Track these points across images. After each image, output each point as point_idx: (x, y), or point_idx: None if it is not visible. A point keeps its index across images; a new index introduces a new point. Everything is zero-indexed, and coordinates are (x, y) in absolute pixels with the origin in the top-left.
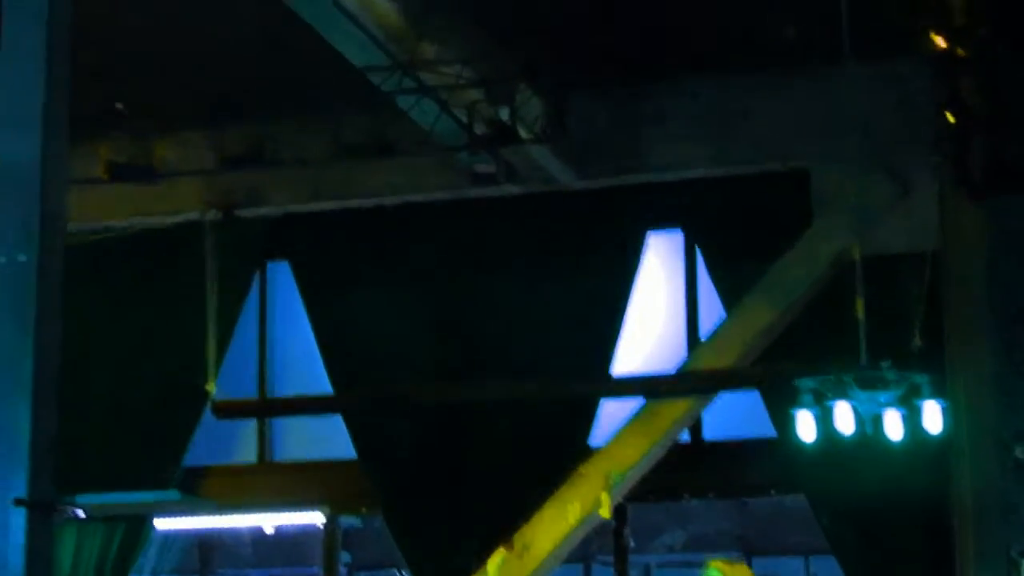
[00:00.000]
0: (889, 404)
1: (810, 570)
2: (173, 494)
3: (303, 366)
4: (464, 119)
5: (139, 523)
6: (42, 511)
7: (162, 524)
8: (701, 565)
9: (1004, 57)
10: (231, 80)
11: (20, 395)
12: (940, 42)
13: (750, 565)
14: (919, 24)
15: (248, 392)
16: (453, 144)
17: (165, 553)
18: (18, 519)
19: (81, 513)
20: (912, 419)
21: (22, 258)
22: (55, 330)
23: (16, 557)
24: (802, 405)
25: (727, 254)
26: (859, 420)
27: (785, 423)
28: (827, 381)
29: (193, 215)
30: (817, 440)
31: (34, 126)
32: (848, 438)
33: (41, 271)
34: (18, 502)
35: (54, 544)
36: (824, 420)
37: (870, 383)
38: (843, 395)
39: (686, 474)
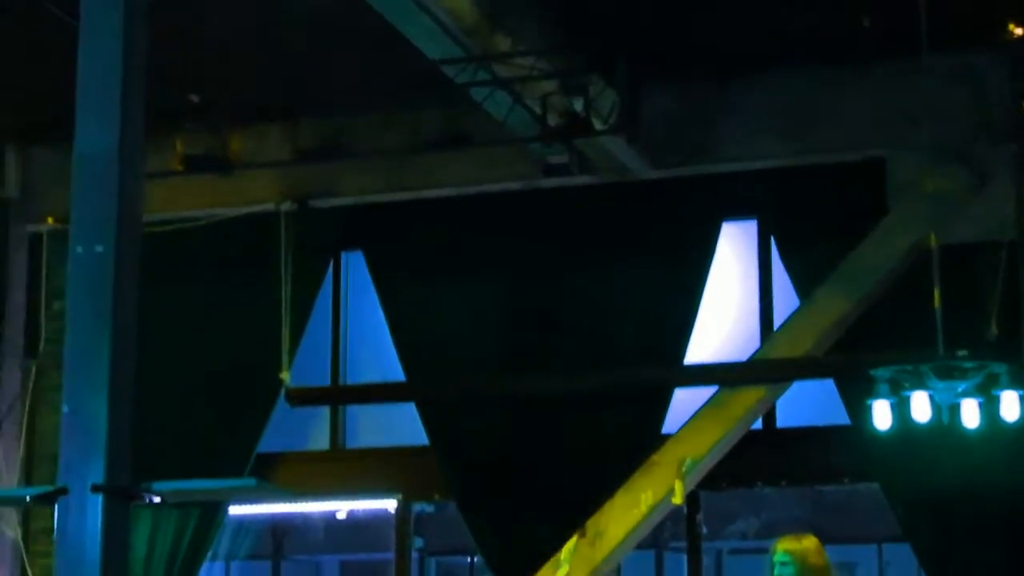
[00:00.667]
0: (966, 394)
1: (883, 558)
2: (248, 481)
3: (376, 354)
4: (537, 110)
5: (214, 509)
6: (119, 497)
7: (236, 510)
8: (770, 548)
9: None
10: (307, 72)
11: (98, 384)
12: (1018, 32)
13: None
14: (997, 14)
15: (322, 380)
16: (526, 135)
17: (239, 538)
18: (95, 505)
19: (157, 499)
20: (989, 408)
21: (99, 249)
22: (132, 320)
23: (93, 542)
24: (878, 395)
25: (801, 243)
26: (936, 409)
27: (859, 411)
28: (904, 371)
29: (268, 206)
30: (892, 429)
31: (112, 117)
32: (924, 427)
33: (118, 262)
34: (95, 488)
35: (130, 530)
36: (900, 409)
37: (948, 373)
38: (920, 385)
39: (759, 462)
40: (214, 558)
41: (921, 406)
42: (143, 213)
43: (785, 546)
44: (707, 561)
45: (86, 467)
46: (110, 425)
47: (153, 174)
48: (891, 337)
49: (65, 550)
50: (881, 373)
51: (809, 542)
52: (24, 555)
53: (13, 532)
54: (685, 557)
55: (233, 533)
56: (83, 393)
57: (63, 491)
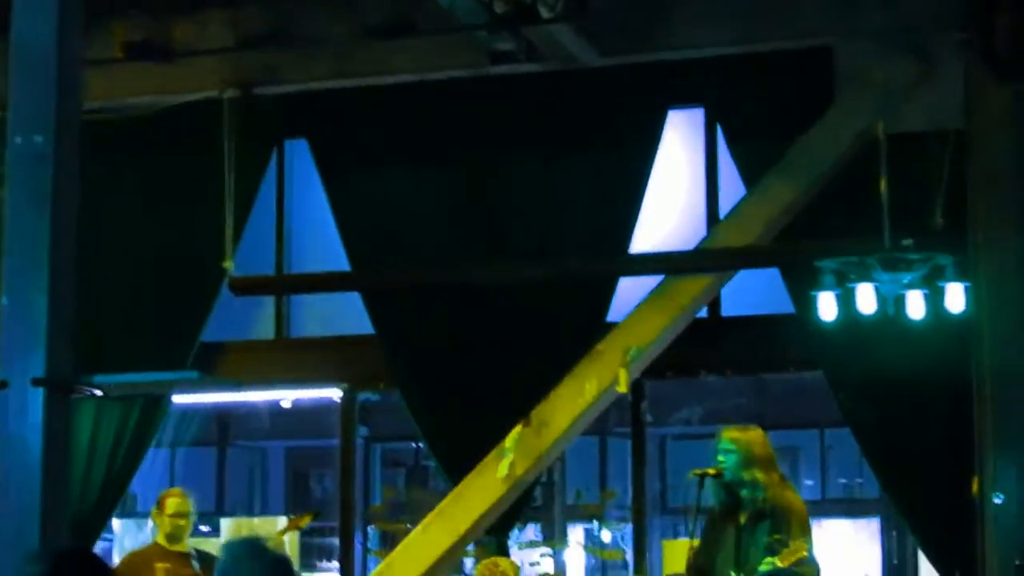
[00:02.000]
0: (912, 285)
1: (825, 443)
2: (191, 374)
3: (321, 244)
4: None
5: (157, 400)
6: (60, 391)
7: (180, 399)
8: (715, 436)
9: None
10: None
11: (37, 275)
12: None
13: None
14: None
15: (266, 270)
16: (474, 23)
17: (184, 426)
18: (36, 398)
19: (98, 392)
20: (934, 300)
21: (38, 139)
22: (72, 210)
23: (34, 435)
24: (823, 286)
25: (748, 132)
26: (881, 300)
27: (805, 301)
28: (849, 263)
29: (211, 94)
30: (837, 319)
31: (49, 4)
32: (869, 318)
33: (58, 152)
34: (36, 382)
35: (72, 422)
36: (845, 300)
37: (893, 264)
38: (865, 276)
39: (704, 350)
40: (158, 446)
41: (866, 298)
42: (83, 102)
43: (730, 435)
44: (651, 448)
45: (26, 360)
46: (50, 317)
47: (93, 62)
48: (837, 227)
49: (6, 443)
50: (827, 264)
51: (755, 433)
52: None
53: None
54: (629, 443)
55: (178, 421)
56: (23, 285)
57: (3, 384)
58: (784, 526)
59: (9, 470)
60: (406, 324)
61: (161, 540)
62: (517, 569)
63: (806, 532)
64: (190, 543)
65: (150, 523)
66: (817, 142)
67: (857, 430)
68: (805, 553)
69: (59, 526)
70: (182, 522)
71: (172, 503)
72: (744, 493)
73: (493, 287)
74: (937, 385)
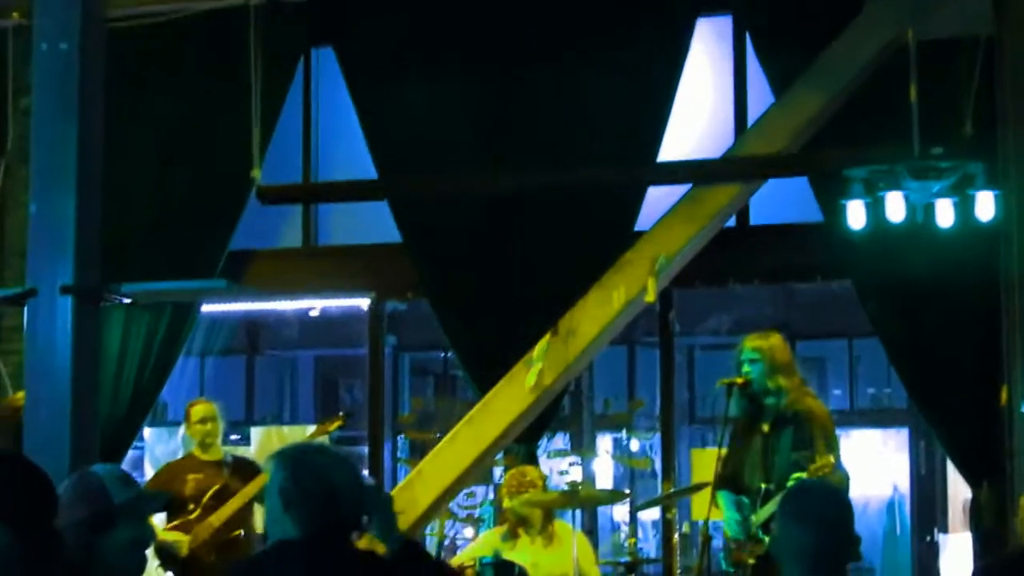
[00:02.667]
0: (941, 194)
1: (853, 353)
2: (219, 283)
3: (349, 152)
4: None
5: (186, 308)
6: (88, 299)
7: (209, 308)
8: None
9: None
10: None
11: (64, 184)
12: None
13: (794, 349)
14: None
15: (293, 179)
16: None
17: (213, 335)
18: (65, 306)
19: (127, 300)
20: (964, 207)
21: (64, 46)
22: (98, 117)
23: (63, 343)
24: (852, 195)
25: (777, 39)
26: (910, 209)
27: (833, 209)
28: (878, 171)
29: (237, 1)
30: (866, 228)
31: None
32: (898, 226)
33: (83, 59)
34: (64, 290)
35: (100, 330)
36: (874, 209)
37: (923, 172)
38: (895, 185)
39: (732, 259)
40: (188, 355)
41: (895, 206)
42: (107, 9)
43: (753, 343)
44: (679, 357)
45: (54, 268)
46: (78, 225)
47: None
48: (866, 135)
49: (35, 351)
50: (855, 173)
51: (776, 339)
52: None
53: None
54: (658, 353)
55: (207, 330)
56: (50, 192)
57: (32, 292)
58: (808, 434)
59: (39, 379)
60: (434, 233)
61: (196, 451)
62: (545, 478)
63: (831, 439)
64: (225, 450)
65: (181, 431)
66: (846, 50)
67: (886, 339)
68: (830, 466)
69: (89, 435)
70: (209, 427)
71: (196, 411)
72: (769, 401)
73: (521, 195)
74: (966, 294)
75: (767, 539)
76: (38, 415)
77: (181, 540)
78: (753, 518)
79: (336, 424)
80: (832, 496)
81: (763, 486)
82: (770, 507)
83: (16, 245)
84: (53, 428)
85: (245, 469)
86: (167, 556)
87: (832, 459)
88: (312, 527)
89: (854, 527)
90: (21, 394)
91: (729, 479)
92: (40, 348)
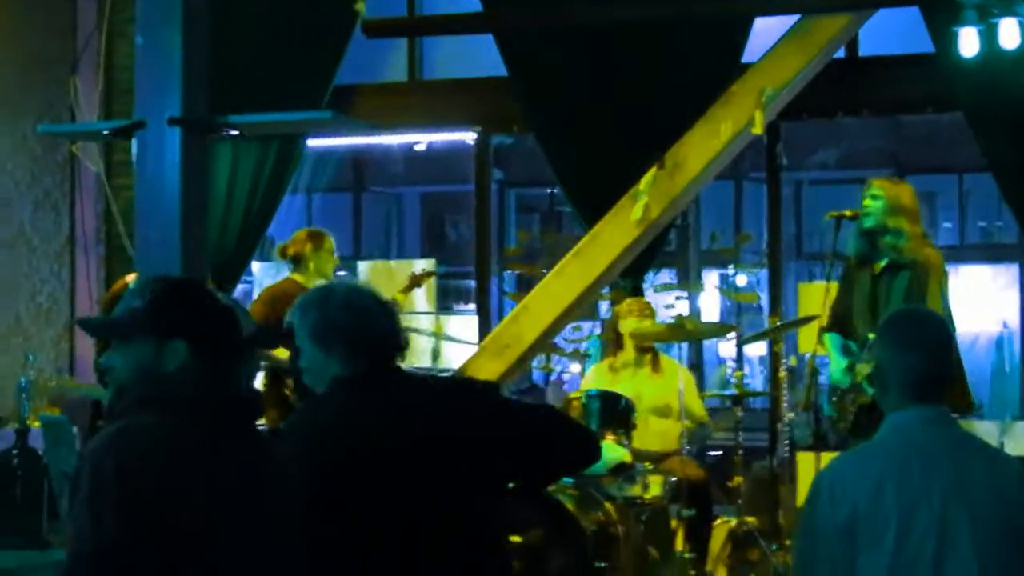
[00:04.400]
0: None
1: (963, 187)
2: (324, 114)
3: None
4: None
5: (292, 142)
6: (196, 130)
7: (315, 143)
8: (860, 184)
9: None
10: None
11: (172, 16)
12: None
13: (903, 180)
14: None
15: (398, 12)
16: None
17: (319, 171)
18: (173, 138)
19: (234, 132)
20: None
21: None
22: None
23: (172, 174)
24: (965, 21)
25: None
26: None
27: (945, 38)
28: None
29: None
30: (979, 56)
31: None
32: (1012, 53)
33: None
34: (172, 121)
35: (209, 162)
36: (988, 35)
37: None
38: (1009, 11)
39: (841, 91)
40: (295, 191)
41: (1010, 32)
42: None
43: (879, 182)
44: (786, 192)
45: (162, 100)
46: (185, 57)
47: None
48: None
49: (145, 182)
50: None
51: (905, 187)
52: (107, 188)
53: (95, 166)
54: (765, 187)
55: (313, 166)
56: (157, 24)
57: (140, 124)
58: (923, 285)
59: (148, 211)
60: (540, 66)
61: (301, 277)
62: (654, 311)
63: (944, 288)
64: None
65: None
66: None
67: (998, 172)
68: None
69: (200, 267)
70: (334, 260)
71: (329, 242)
72: (887, 240)
73: (628, 27)
74: None
75: (871, 390)
76: (148, 247)
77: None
78: (859, 367)
79: (428, 278)
80: (934, 322)
81: (870, 336)
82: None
83: (125, 82)
84: (163, 261)
85: None
86: (277, 376)
87: (940, 302)
88: (370, 359)
89: (956, 354)
90: (132, 277)
91: (838, 321)
92: (149, 180)
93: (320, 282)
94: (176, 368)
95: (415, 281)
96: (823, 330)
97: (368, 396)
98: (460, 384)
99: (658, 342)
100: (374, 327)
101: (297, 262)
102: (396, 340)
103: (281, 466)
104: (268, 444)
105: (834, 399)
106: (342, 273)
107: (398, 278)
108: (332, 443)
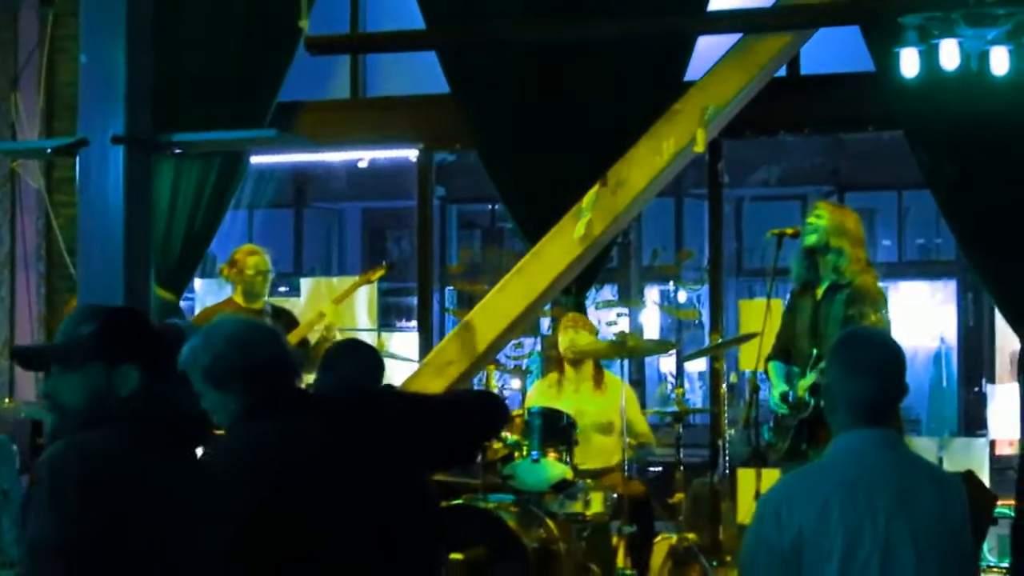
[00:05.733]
0: (996, 41)
1: (903, 203)
2: (268, 132)
3: (396, 2)
4: None
5: (235, 158)
6: (139, 148)
7: (257, 159)
8: (801, 200)
9: None
10: None
11: (115, 34)
12: None
13: (842, 199)
14: None
15: (341, 29)
16: None
17: (261, 187)
18: (116, 156)
19: (177, 150)
20: (1019, 55)
21: None
22: None
23: (116, 193)
24: (906, 42)
25: None
26: (964, 56)
27: (885, 58)
28: (933, 18)
29: None
30: (919, 76)
31: None
32: (952, 74)
33: None
34: (116, 139)
35: (152, 180)
36: (928, 56)
37: (977, 20)
38: (949, 32)
39: (782, 109)
40: (237, 207)
41: (949, 53)
42: None
43: (825, 204)
44: (727, 209)
45: (106, 118)
46: (129, 75)
47: None
48: None
49: (88, 201)
50: (910, 20)
51: (851, 212)
52: (48, 205)
53: (37, 183)
54: (706, 204)
55: (255, 182)
56: (101, 42)
57: (83, 142)
58: (860, 299)
59: (91, 229)
60: (482, 83)
61: (238, 298)
62: (595, 328)
63: (881, 314)
64: (266, 301)
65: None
66: None
67: (936, 189)
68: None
69: (142, 284)
70: (261, 279)
71: (252, 262)
72: (828, 259)
73: (569, 45)
74: (1019, 143)
75: (812, 402)
76: (91, 265)
77: None
78: (801, 382)
79: (379, 273)
80: (885, 344)
81: (813, 351)
82: (818, 372)
83: (67, 98)
84: (106, 278)
85: (284, 318)
86: None
87: (884, 321)
88: (268, 387)
89: (905, 375)
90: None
91: (783, 349)
92: (92, 198)
93: (257, 300)
94: (129, 392)
95: (365, 278)
96: (768, 358)
97: (273, 424)
98: (362, 396)
99: (600, 358)
100: (266, 357)
101: (233, 282)
102: (290, 366)
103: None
104: (207, 462)
105: (772, 425)
106: (282, 289)
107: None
108: (247, 477)
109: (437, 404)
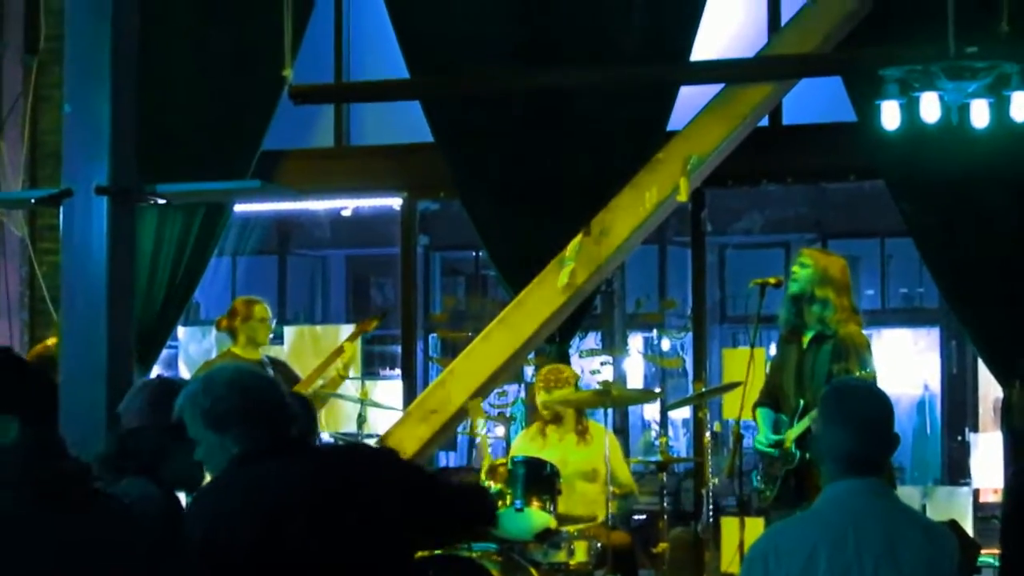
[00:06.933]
0: (976, 94)
1: (885, 252)
2: (252, 183)
3: (380, 51)
4: None
5: (219, 207)
6: (123, 199)
7: (241, 207)
8: (784, 248)
9: None
10: None
11: (99, 83)
12: None
13: (825, 247)
14: None
15: (325, 78)
16: None
17: (245, 235)
18: (100, 207)
19: (161, 201)
20: (999, 108)
21: None
22: (133, 17)
23: (99, 243)
24: (887, 95)
25: None
26: (945, 109)
27: (867, 110)
28: (913, 71)
29: None
30: (900, 128)
31: None
32: (932, 126)
33: None
34: (99, 190)
35: (135, 230)
36: (909, 109)
37: (958, 73)
38: (930, 85)
39: (765, 159)
40: (220, 254)
41: (930, 106)
42: None
43: (809, 251)
44: (711, 257)
45: (90, 168)
46: (113, 125)
47: None
48: (901, 34)
49: (72, 251)
50: (891, 73)
51: (836, 258)
52: (32, 254)
53: (20, 231)
54: (689, 252)
55: (239, 230)
56: (85, 91)
57: (67, 193)
58: (846, 353)
59: (74, 279)
60: (466, 131)
61: (238, 348)
62: (577, 377)
63: (866, 364)
64: (263, 353)
65: (213, 332)
66: None
67: (919, 238)
68: (871, 377)
69: (125, 334)
70: (265, 326)
71: (259, 309)
72: (813, 309)
73: (553, 95)
74: (1000, 194)
75: (798, 454)
76: (74, 314)
77: None
78: (788, 433)
79: (375, 323)
80: (873, 396)
81: (800, 402)
82: (805, 422)
83: (50, 146)
84: (89, 327)
85: (282, 369)
86: None
87: (872, 375)
88: (265, 433)
89: (894, 427)
90: (53, 340)
91: (771, 396)
92: (76, 248)
93: (256, 350)
94: (8, 444)
95: (362, 328)
96: (756, 405)
97: (268, 469)
98: (358, 451)
99: (583, 408)
100: (265, 402)
101: (232, 334)
102: (286, 412)
103: (138, 536)
104: (119, 514)
105: (760, 469)
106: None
107: (323, 344)
108: (236, 520)
109: (437, 484)
